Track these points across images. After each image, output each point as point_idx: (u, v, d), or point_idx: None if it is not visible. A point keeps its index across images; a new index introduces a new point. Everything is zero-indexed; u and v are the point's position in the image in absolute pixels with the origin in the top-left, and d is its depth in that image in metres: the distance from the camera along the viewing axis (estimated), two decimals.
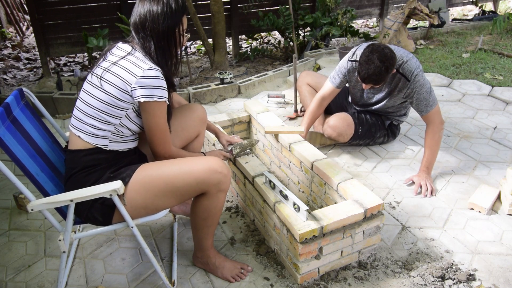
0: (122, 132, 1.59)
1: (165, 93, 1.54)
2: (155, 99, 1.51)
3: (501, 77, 4.00)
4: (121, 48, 1.59)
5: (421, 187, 2.38)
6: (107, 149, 1.59)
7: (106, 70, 1.54)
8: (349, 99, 2.92)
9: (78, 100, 1.61)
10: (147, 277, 1.85)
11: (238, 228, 2.15)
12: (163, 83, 1.53)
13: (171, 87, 1.66)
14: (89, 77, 1.59)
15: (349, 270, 1.85)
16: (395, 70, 2.42)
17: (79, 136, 1.58)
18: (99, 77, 1.54)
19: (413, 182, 2.45)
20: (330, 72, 3.71)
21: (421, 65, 2.46)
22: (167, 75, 1.60)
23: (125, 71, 1.51)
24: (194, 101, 3.69)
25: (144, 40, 1.56)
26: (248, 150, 2.16)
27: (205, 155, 1.85)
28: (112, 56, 1.57)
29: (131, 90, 1.50)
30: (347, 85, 2.76)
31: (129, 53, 1.56)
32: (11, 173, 1.39)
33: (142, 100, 1.50)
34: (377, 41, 4.91)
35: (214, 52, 4.50)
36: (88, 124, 1.56)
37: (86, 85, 1.59)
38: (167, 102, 1.57)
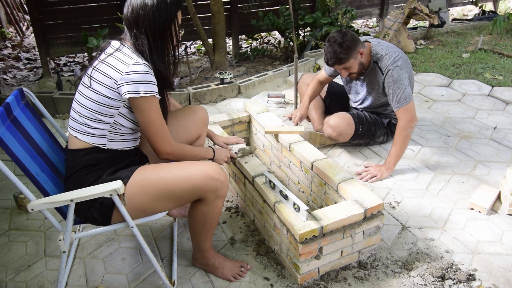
0: (120, 130, 1.58)
1: (152, 87, 1.48)
2: (141, 95, 1.46)
3: (501, 77, 4.00)
4: (113, 46, 1.56)
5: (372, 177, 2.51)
6: (106, 148, 1.58)
7: (95, 69, 1.52)
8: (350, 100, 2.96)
9: (73, 101, 1.60)
10: (147, 277, 1.85)
11: (238, 228, 2.15)
12: (150, 77, 1.48)
13: (168, 87, 1.64)
14: (83, 78, 1.57)
15: (349, 270, 1.85)
16: (372, 60, 2.52)
17: (76, 137, 1.57)
18: (89, 76, 1.53)
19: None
20: None
21: (405, 63, 2.50)
22: (164, 75, 1.57)
23: (111, 68, 1.48)
24: (194, 101, 3.69)
25: (137, 37, 1.51)
26: (247, 156, 2.19)
27: (213, 149, 1.83)
28: (104, 54, 1.54)
29: (117, 87, 1.47)
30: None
31: (117, 49, 1.52)
32: (11, 173, 1.39)
33: (128, 96, 1.46)
34: None
35: (214, 52, 4.49)
36: (83, 124, 1.55)
37: (80, 86, 1.58)
38: (157, 96, 1.51)
